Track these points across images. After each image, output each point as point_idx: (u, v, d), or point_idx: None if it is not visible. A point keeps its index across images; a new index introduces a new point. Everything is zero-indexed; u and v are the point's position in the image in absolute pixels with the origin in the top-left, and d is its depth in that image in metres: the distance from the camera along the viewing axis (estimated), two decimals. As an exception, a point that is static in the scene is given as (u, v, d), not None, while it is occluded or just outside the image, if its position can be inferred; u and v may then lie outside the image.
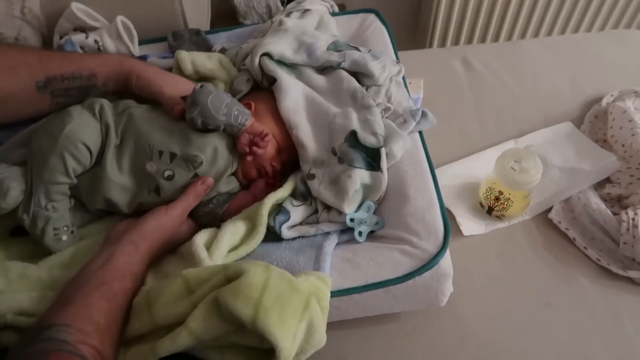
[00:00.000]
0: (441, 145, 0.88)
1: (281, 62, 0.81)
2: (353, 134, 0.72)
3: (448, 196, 0.86)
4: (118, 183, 0.68)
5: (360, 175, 0.70)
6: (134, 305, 0.57)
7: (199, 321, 0.51)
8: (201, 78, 0.85)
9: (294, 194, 0.74)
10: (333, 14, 0.97)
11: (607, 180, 0.91)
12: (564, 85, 1.10)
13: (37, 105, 0.71)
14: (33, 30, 0.93)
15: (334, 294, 0.62)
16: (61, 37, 0.93)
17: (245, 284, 0.50)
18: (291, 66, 0.82)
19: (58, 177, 0.65)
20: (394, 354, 0.73)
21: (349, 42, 0.88)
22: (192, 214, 0.72)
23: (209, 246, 0.64)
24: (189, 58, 0.83)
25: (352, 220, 0.69)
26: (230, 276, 0.53)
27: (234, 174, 0.74)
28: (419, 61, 1.14)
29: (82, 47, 0.91)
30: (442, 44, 1.50)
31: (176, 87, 0.73)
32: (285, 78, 0.78)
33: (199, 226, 0.71)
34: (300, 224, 0.72)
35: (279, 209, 0.70)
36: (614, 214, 0.83)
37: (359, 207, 0.71)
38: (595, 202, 0.85)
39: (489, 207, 0.86)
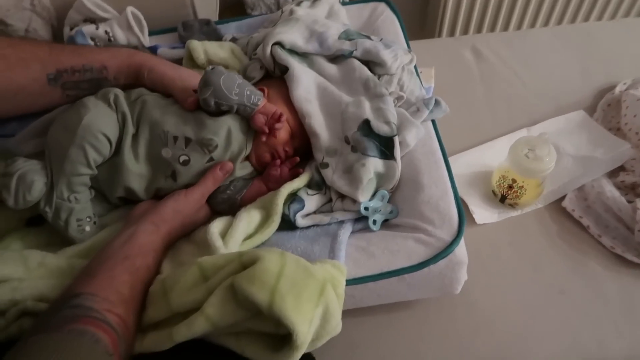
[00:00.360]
0: (453, 134, 0.87)
1: (293, 52, 0.80)
2: (366, 122, 0.72)
3: (460, 185, 0.85)
4: (135, 171, 0.69)
5: (374, 164, 0.70)
6: (151, 293, 0.58)
7: (215, 307, 0.51)
8: (213, 68, 0.85)
9: (308, 183, 0.73)
10: (343, 3, 0.97)
11: (621, 168, 0.90)
12: (575, 74, 1.09)
13: (48, 98, 0.71)
14: (43, 21, 0.93)
15: (349, 282, 0.62)
16: (71, 29, 0.93)
17: (261, 270, 0.50)
18: (303, 55, 0.81)
19: (80, 168, 0.65)
20: (407, 342, 0.73)
21: (359, 31, 0.88)
22: (210, 203, 0.72)
23: (224, 235, 0.64)
24: (201, 47, 0.83)
25: (366, 209, 0.69)
26: (246, 263, 0.53)
27: (247, 158, 0.74)
28: (429, 51, 1.13)
29: (92, 39, 0.91)
30: (451, 33, 1.48)
31: (188, 79, 0.73)
32: (298, 67, 0.77)
33: (217, 214, 0.71)
34: (315, 212, 0.72)
35: (293, 197, 0.70)
36: (629, 201, 0.83)
37: (373, 195, 0.71)
38: (610, 189, 0.85)
39: (502, 195, 0.86)
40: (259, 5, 1.28)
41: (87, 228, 0.68)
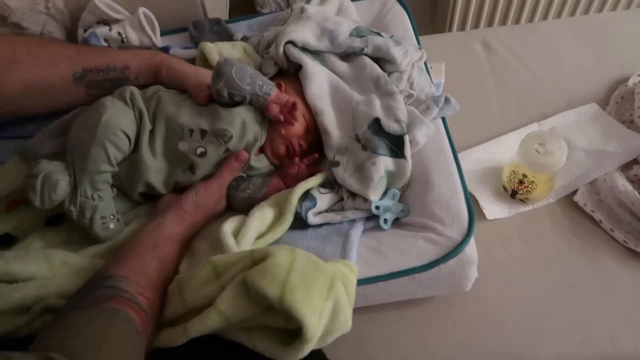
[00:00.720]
0: (463, 129, 0.87)
1: (305, 49, 0.81)
2: (376, 121, 0.73)
3: (471, 180, 0.85)
4: (154, 166, 0.70)
5: (385, 162, 0.71)
6: (168, 291, 0.59)
7: (228, 302, 0.53)
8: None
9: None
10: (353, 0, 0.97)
11: (634, 161, 0.89)
12: (587, 66, 1.07)
13: (73, 96, 0.73)
14: (57, 24, 0.95)
15: (360, 282, 0.63)
16: (85, 31, 0.95)
17: (272, 265, 0.52)
18: (315, 53, 0.82)
19: (102, 166, 0.67)
20: (417, 337, 0.73)
21: (369, 27, 0.88)
22: (231, 202, 0.74)
23: (236, 234, 0.65)
24: (215, 49, 0.84)
25: (377, 208, 0.70)
26: (257, 259, 0.55)
27: (262, 151, 0.75)
28: (439, 45, 1.13)
29: (105, 40, 0.93)
30: (462, 27, 1.47)
31: (203, 76, 0.75)
32: (311, 64, 0.78)
33: (238, 212, 0.71)
34: (326, 210, 0.73)
35: (305, 195, 0.71)
36: (642, 196, 0.82)
37: (384, 194, 0.71)
38: (622, 183, 0.84)
39: (513, 190, 0.85)
40: (268, 3, 1.29)
41: (112, 225, 0.69)
